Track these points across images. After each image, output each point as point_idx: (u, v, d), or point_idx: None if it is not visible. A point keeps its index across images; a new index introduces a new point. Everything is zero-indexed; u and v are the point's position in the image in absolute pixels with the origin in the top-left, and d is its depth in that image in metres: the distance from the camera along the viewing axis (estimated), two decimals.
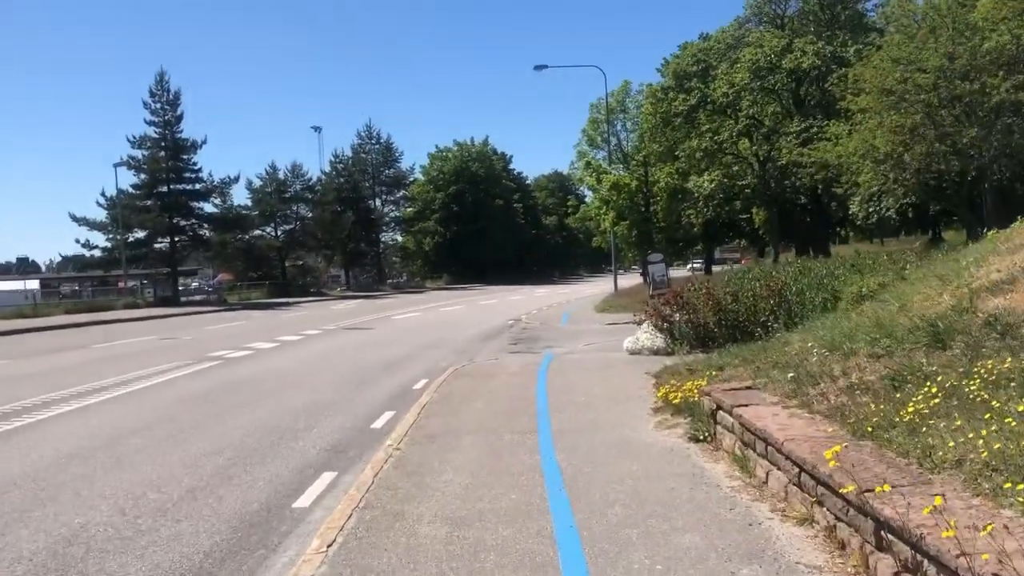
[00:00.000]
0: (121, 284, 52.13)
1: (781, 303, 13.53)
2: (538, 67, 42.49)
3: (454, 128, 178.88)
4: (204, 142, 48.61)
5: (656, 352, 13.84)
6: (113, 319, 33.91)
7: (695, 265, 58.13)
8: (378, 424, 9.66)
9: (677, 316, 14.21)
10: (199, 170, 48.86)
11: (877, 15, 34.12)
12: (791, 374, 6.64)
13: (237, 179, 51.59)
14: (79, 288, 60.25)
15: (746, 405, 6.27)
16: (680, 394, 7.93)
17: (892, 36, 24.26)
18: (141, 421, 10.27)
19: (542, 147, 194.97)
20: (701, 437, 6.99)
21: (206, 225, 50.22)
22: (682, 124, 34.36)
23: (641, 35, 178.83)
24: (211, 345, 20.85)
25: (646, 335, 14.40)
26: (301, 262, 64.74)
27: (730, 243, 65.36)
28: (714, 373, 8.88)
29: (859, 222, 49.02)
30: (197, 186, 49.25)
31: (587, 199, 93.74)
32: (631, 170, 34.31)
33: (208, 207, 51.67)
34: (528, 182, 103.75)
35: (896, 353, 6.08)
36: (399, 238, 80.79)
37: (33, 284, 55.58)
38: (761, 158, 35.09)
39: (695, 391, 7.69)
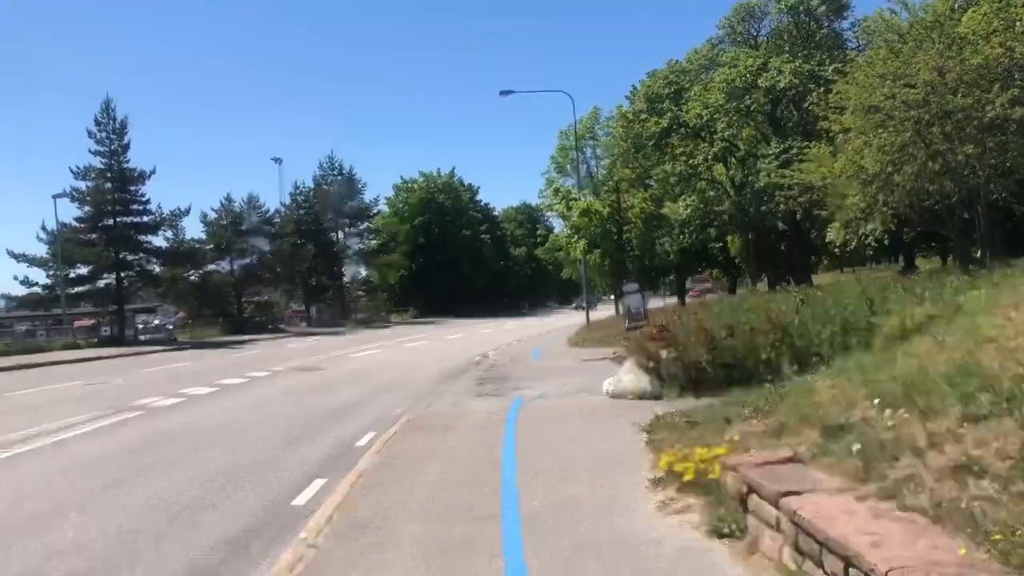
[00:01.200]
0: (77, 323, 49.02)
1: (784, 338, 11.76)
2: (504, 92, 41.01)
3: (419, 160, 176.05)
4: (152, 172, 46.25)
5: (642, 396, 11.97)
6: (45, 362, 31.26)
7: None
8: (301, 500, 7.62)
9: (664, 353, 12.37)
10: (147, 202, 46.37)
11: (856, 32, 33.17)
12: (855, 445, 4.75)
13: (188, 211, 49.04)
14: (34, 327, 56.62)
15: (798, 492, 4.39)
16: (689, 465, 6.00)
17: (877, 51, 23.04)
18: None
19: (510, 179, 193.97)
20: (727, 530, 5.08)
21: (154, 259, 47.56)
22: (654, 149, 32.93)
23: (609, 64, 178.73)
24: (140, 391, 18.56)
25: (629, 376, 12.52)
26: (259, 298, 62.05)
27: (701, 273, 63.99)
28: (726, 433, 6.98)
29: (836, 249, 48.15)
30: (145, 218, 46.58)
31: (556, 230, 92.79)
32: (602, 196, 32.74)
33: (158, 240, 49.17)
34: (496, 213, 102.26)
35: (1014, 414, 4.24)
36: (363, 271, 78.44)
37: None
38: (737, 183, 33.77)
39: (712, 461, 5.78)
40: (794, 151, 27.74)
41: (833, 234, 33.17)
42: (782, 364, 11.62)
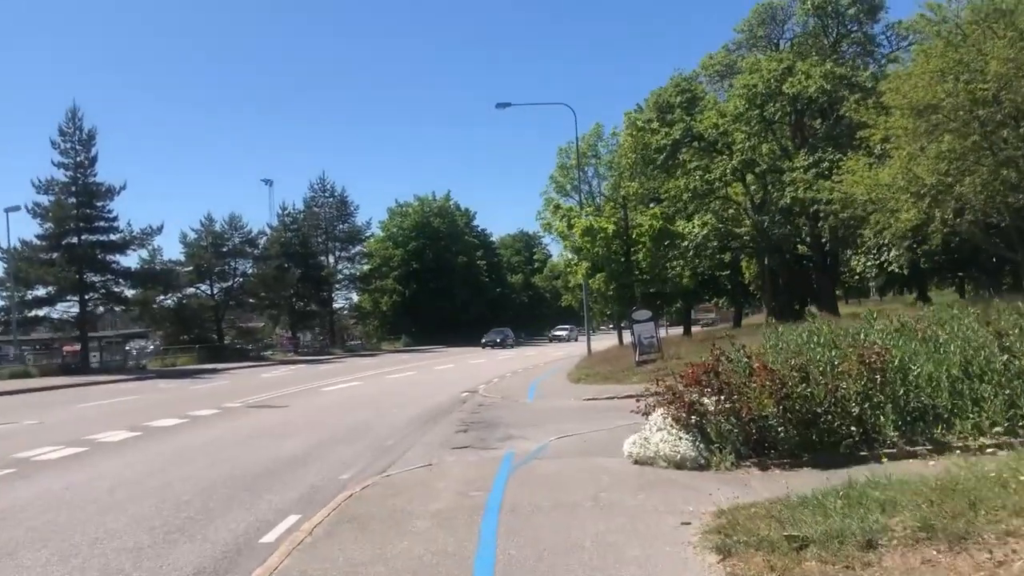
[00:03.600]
0: (68, 348, 44.90)
1: (883, 385, 8.33)
2: (501, 105, 38.10)
3: (414, 185, 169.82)
4: (122, 188, 42.60)
5: (681, 464, 8.51)
6: None
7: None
8: None
9: (711, 403, 8.93)
10: (115, 219, 42.74)
11: (889, 35, 30.09)
12: None
13: (160, 229, 45.20)
14: (22, 351, 52.30)
15: None
16: None
17: (931, 45, 19.88)
18: None
19: (507, 207, 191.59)
20: None
21: (123, 281, 43.93)
22: (664, 162, 29.71)
23: (613, 77, 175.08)
24: (42, 437, 15.07)
25: (661, 435, 9.05)
26: (242, 324, 58.37)
27: (709, 301, 60.63)
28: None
29: (855, 277, 44.65)
30: (112, 237, 43.02)
31: (554, 256, 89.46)
32: (607, 213, 29.46)
33: (128, 260, 45.45)
34: (492, 240, 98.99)
35: None
36: (355, 297, 74.98)
37: None
38: (757, 202, 30.52)
39: None
40: (825, 164, 24.50)
41: (858, 264, 29.90)
42: (882, 423, 8.20)
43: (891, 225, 21.01)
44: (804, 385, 8.49)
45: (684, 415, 9.05)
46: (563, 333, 78.64)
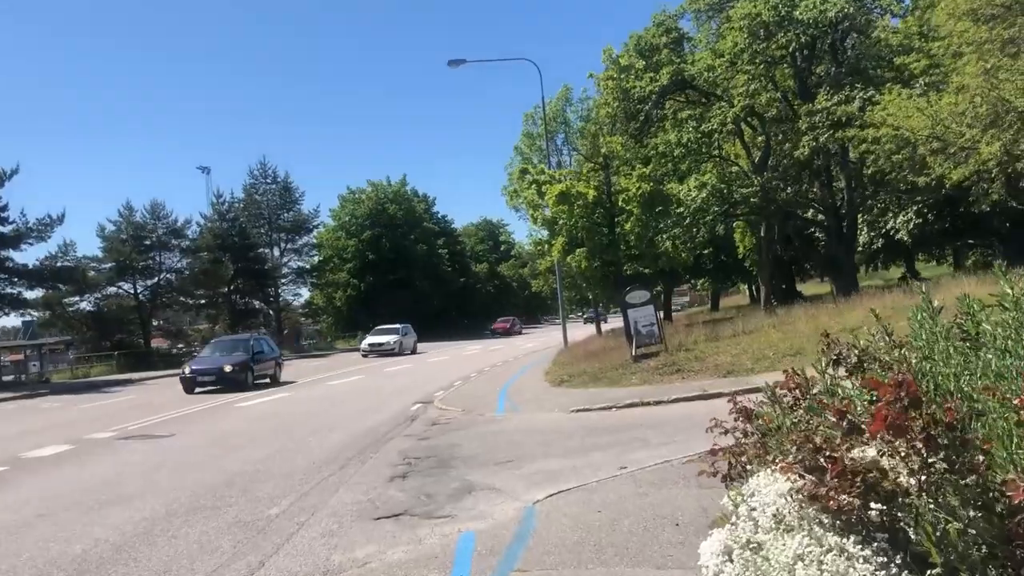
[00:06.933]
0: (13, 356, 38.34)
1: None
2: (454, 62, 33.07)
3: (368, 171, 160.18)
4: (15, 172, 36.55)
5: None
6: None
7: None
8: None
9: (909, 478, 3.90)
10: (4, 207, 36.63)
11: None
12: None
13: (62, 219, 38.73)
14: None
15: None
16: None
17: None
18: None
19: (469, 196, 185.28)
20: None
21: (17, 280, 37.79)
22: (648, 114, 24.73)
23: (581, 33, 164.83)
24: None
25: (797, 541, 4.01)
26: (170, 327, 52.28)
27: (690, 281, 56.13)
28: None
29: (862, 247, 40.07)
30: (2, 229, 37.00)
31: (523, 239, 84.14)
32: (585, 176, 24.49)
33: (23, 257, 39.08)
34: (455, 227, 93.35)
35: None
36: (305, 293, 69.05)
37: None
38: (756, 159, 25.75)
39: None
40: (856, 102, 19.76)
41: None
42: None
43: (956, 167, 16.27)
44: None
45: (849, 498, 4.01)
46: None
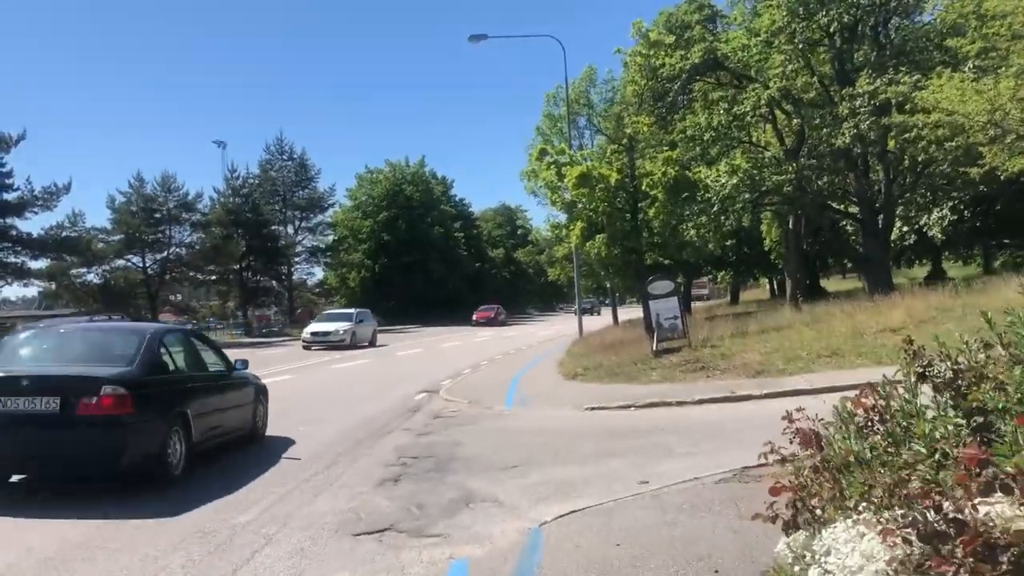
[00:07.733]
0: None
1: None
2: (475, 36, 31.92)
3: (385, 151, 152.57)
4: (21, 138, 35.65)
5: None
6: None
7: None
8: None
9: None
10: (8, 174, 35.80)
11: None
12: None
13: (68, 187, 37.84)
14: None
15: None
16: None
17: None
18: None
19: (488, 180, 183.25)
20: None
21: (21, 249, 36.99)
22: (677, 94, 23.36)
23: (606, 12, 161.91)
24: None
25: None
26: (177, 302, 51.44)
27: (710, 273, 54.63)
28: None
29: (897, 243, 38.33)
30: (6, 196, 36.20)
31: (540, 225, 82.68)
32: (608, 158, 23.21)
33: (27, 226, 37.87)
34: (472, 211, 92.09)
35: None
36: (319, 272, 68.10)
37: None
38: (790, 145, 24.29)
39: None
40: (903, 86, 18.33)
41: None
42: None
43: (1012, 157, 14.86)
44: None
45: None
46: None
